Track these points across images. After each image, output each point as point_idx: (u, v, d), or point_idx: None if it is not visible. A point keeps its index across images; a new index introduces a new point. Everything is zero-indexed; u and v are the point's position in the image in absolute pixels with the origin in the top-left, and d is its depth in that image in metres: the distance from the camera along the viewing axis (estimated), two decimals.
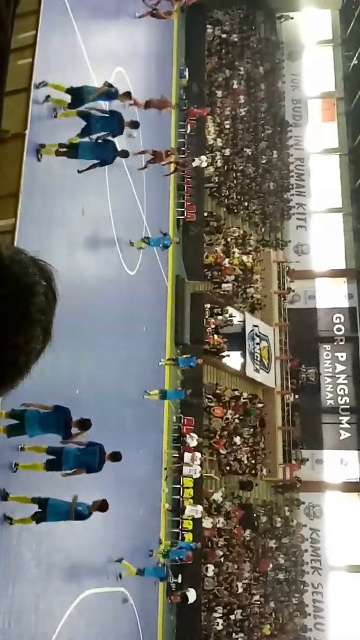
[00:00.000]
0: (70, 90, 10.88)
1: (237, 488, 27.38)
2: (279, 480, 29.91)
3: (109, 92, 11.68)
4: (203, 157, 26.10)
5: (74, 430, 9.31)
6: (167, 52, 25.23)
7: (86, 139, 11.16)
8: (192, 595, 19.79)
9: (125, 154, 12.81)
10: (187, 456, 22.24)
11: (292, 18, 36.83)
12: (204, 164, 26.34)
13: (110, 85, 11.71)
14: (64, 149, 10.75)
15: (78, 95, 10.94)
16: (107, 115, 11.42)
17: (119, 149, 12.00)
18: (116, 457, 10.24)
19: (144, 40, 21.32)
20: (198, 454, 22.59)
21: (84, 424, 9.46)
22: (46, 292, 1.10)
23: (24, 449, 9.33)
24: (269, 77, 36.17)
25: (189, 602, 19.76)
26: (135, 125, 13.26)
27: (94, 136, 11.29)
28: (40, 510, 9.08)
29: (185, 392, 21.21)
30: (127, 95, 12.82)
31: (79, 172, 11.50)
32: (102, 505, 9.85)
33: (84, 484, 10.38)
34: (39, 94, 10.34)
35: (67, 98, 10.89)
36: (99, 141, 11.35)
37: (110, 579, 13.97)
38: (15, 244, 8.63)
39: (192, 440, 22.64)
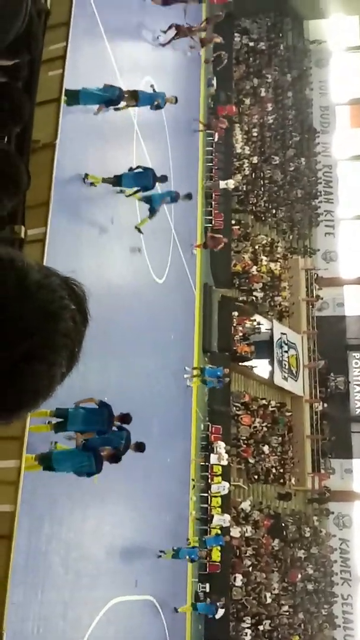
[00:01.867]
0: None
1: (276, 498, 27.33)
2: (309, 490, 29.64)
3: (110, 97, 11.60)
4: (231, 181, 26.09)
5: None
6: (196, 61, 25.33)
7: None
8: (220, 613, 19.65)
9: (164, 179, 13.83)
10: (213, 457, 22.23)
11: (325, 41, 36.80)
12: (232, 187, 26.29)
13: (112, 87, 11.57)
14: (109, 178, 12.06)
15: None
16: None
17: (158, 175, 13.20)
18: (140, 447, 10.24)
19: (172, 49, 21.44)
20: (222, 444, 22.49)
21: (126, 419, 9.69)
22: (74, 315, 1.09)
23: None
24: (296, 84, 36.08)
25: (216, 618, 19.62)
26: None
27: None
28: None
29: (223, 371, 21.59)
30: (133, 96, 12.73)
31: (126, 196, 12.99)
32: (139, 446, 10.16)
33: (114, 492, 10.41)
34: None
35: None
36: (139, 170, 12.71)
37: (139, 587, 13.94)
38: (45, 252, 8.72)
39: (220, 448, 22.58)
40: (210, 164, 25.92)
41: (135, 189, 12.72)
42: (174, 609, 16.95)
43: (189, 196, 13.90)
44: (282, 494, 27.75)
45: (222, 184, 25.44)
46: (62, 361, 1.09)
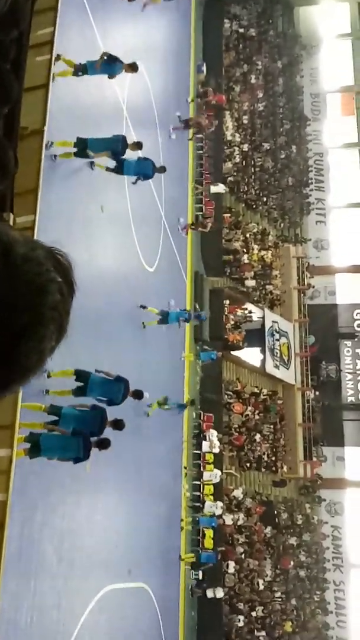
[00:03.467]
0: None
1: (271, 486, 27.49)
2: (301, 478, 29.78)
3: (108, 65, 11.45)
4: (221, 185, 25.92)
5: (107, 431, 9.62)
6: (185, 47, 25.15)
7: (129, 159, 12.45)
8: (219, 593, 20.00)
9: (163, 170, 14.04)
10: (205, 445, 22.36)
11: (315, 45, 36.64)
12: (222, 191, 26.08)
13: (110, 57, 11.38)
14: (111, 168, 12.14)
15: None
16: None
17: (157, 166, 13.42)
18: (118, 424, 9.98)
19: (161, 35, 21.28)
20: (214, 432, 22.67)
21: (118, 425, 9.66)
22: (61, 287, 1.08)
23: (50, 375, 9.38)
24: (287, 72, 35.91)
25: (217, 597, 20.01)
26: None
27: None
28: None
29: (217, 354, 22.15)
30: (132, 67, 12.39)
31: (133, 183, 13.35)
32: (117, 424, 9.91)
33: (108, 481, 10.39)
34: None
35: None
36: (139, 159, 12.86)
37: (132, 575, 13.98)
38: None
39: (212, 436, 22.64)
40: (201, 152, 25.77)
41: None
42: (179, 557, 17.10)
43: (162, 169, 13.77)
44: (276, 481, 27.89)
45: (213, 189, 25.33)
46: (52, 335, 1.08)
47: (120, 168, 12.25)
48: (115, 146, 11.74)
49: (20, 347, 1.02)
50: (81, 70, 10.94)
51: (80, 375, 9.81)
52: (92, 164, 11.71)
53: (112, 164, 12.18)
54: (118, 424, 9.91)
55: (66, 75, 10.68)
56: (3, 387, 1.07)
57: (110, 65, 11.29)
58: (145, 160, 13.08)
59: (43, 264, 1.06)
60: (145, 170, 12.92)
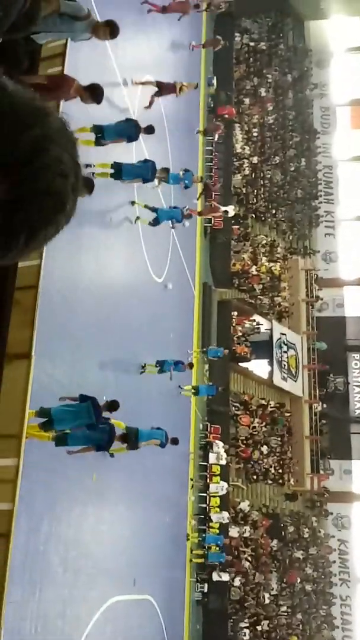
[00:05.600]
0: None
1: (278, 499, 27.41)
2: (308, 491, 29.63)
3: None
4: (231, 207, 25.92)
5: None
6: (196, 60, 25.32)
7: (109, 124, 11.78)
8: (224, 576, 20.26)
9: (150, 130, 13.23)
10: (212, 456, 22.34)
11: (325, 59, 36.76)
12: (232, 213, 25.99)
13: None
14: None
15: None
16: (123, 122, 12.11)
17: (142, 126, 12.51)
18: (114, 405, 9.83)
19: (172, 48, 21.43)
20: (221, 444, 22.67)
21: (113, 405, 9.62)
22: (59, 119, 1.06)
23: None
24: (297, 85, 36.08)
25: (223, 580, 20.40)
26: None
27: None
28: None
29: (217, 388, 21.91)
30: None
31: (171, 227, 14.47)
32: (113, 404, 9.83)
33: (114, 491, 10.37)
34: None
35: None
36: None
37: (137, 586, 13.92)
38: (43, 255, 8.69)
39: (219, 448, 22.61)
40: (210, 164, 25.89)
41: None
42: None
43: (149, 129, 13.25)
44: (288, 494, 27.84)
45: (222, 209, 25.36)
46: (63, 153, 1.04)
47: (101, 134, 11.90)
48: (129, 130, 11.85)
49: (34, 163, 0.99)
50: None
51: (42, 413, 8.58)
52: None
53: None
54: (113, 405, 9.82)
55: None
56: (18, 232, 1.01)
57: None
58: (128, 120, 12.61)
59: (35, 98, 1.05)
60: (128, 131, 12.25)
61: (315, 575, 28.77)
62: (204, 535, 20.70)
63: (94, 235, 12.04)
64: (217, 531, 21.23)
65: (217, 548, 20.54)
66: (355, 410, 32.39)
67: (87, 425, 8.87)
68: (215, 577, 20.45)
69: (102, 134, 11.24)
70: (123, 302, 13.85)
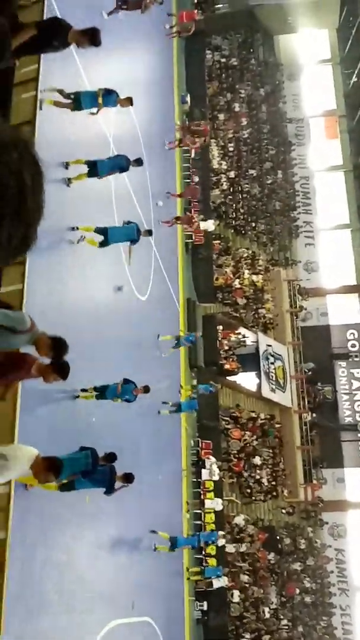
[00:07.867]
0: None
1: (272, 511, 27.45)
2: (302, 502, 29.55)
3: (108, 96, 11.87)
4: (210, 221, 26.17)
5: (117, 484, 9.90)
6: (168, 78, 25.50)
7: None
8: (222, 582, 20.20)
9: (139, 162, 13.64)
10: (204, 472, 22.22)
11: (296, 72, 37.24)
12: (212, 228, 26.26)
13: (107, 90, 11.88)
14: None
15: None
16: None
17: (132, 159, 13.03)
18: (110, 457, 9.86)
19: (144, 68, 21.58)
20: (213, 459, 22.56)
21: (110, 457, 9.61)
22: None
23: None
24: (269, 99, 36.47)
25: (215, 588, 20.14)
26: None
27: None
28: None
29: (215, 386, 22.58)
30: (129, 100, 12.98)
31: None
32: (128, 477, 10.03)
33: (104, 513, 10.28)
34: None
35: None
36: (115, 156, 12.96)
37: (136, 609, 13.75)
38: (26, 274, 8.66)
39: (211, 463, 22.50)
40: (188, 180, 26.01)
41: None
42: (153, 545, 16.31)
43: (138, 161, 13.40)
44: (287, 510, 27.97)
45: (202, 225, 25.53)
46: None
47: (95, 168, 12.07)
48: (121, 163, 12.42)
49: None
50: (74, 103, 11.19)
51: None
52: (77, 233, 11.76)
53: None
54: (110, 457, 9.88)
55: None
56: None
57: (107, 97, 11.72)
58: (118, 156, 13.08)
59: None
60: (120, 163, 12.73)
61: (314, 587, 28.63)
62: (202, 567, 20.50)
63: (77, 256, 12.03)
64: (213, 551, 21.02)
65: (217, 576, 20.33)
66: (344, 417, 32.46)
67: (83, 472, 8.85)
68: (215, 584, 20.17)
69: (95, 169, 11.80)
70: (106, 321, 13.80)
